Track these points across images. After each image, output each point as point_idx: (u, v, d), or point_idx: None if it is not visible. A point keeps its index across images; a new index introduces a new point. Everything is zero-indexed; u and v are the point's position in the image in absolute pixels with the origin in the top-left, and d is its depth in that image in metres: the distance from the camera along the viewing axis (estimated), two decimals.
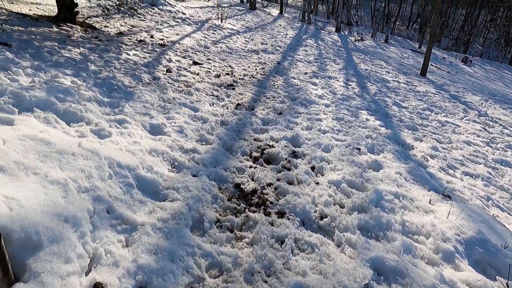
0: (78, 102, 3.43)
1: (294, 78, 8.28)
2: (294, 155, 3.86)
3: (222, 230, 2.37)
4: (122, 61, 6.23)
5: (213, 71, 7.39)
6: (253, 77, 7.62)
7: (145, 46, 7.71)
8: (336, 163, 3.77)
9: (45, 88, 3.36)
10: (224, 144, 3.90)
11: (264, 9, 20.71)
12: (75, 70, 4.83)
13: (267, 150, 3.86)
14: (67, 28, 7.24)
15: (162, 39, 8.67)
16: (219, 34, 11.10)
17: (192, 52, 8.34)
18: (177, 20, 11.06)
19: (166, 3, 11.96)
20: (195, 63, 7.54)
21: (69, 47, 5.99)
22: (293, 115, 5.62)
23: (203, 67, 7.42)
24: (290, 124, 5.13)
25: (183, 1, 12.57)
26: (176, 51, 8.12)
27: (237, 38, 11.50)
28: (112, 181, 2.35)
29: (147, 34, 8.74)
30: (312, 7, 23.28)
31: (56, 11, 7.76)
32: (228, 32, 11.71)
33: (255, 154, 3.72)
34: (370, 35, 21.41)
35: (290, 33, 15.12)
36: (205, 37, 10.20)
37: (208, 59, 8.22)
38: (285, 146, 4.06)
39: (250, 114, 5.36)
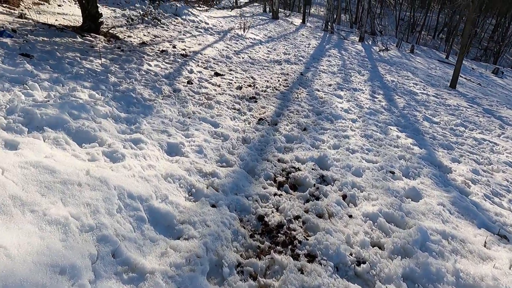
0: (93, 119, 3.19)
1: (318, 90, 7.90)
2: (323, 179, 3.48)
3: (243, 277, 2.02)
4: (143, 72, 6.04)
5: (235, 82, 7.11)
6: (276, 89, 7.29)
7: (166, 56, 7.54)
8: (369, 190, 3.36)
9: (59, 104, 3.14)
10: (246, 165, 3.56)
11: (287, 18, 20.46)
12: (94, 83, 4.63)
13: (292, 173, 3.49)
14: (90, 38, 7.16)
15: (184, 49, 8.50)
16: (241, 44, 10.87)
17: (214, 63, 8.11)
18: (200, 30, 10.92)
19: (190, 13, 11.87)
20: (216, 74, 7.29)
21: (91, 58, 5.85)
22: (319, 132, 5.23)
23: (225, 79, 7.16)
24: (316, 142, 4.75)
25: (206, 11, 12.45)
26: (198, 61, 7.90)
27: (260, 48, 11.24)
28: (121, 215, 2.05)
29: (170, 44, 8.60)
30: (335, 17, 22.86)
31: (81, 22, 7.71)
32: (251, 42, 11.47)
33: (279, 178, 3.36)
34: (395, 45, 20.78)
35: (313, 43, 14.77)
36: (227, 47, 9.98)
37: (230, 70, 7.96)
38: (312, 169, 3.68)
39: (273, 130, 5.02)
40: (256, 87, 7.12)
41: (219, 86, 6.63)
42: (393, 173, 3.99)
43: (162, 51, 7.87)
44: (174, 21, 10.79)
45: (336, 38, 18.73)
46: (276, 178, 3.36)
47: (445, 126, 7.12)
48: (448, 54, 20.28)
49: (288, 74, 8.92)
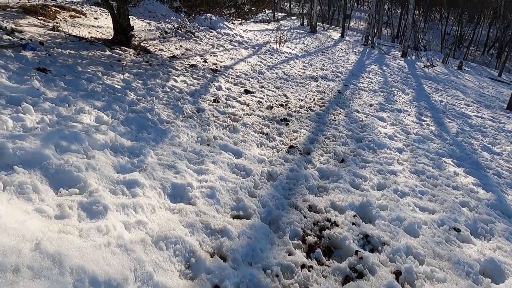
0: (84, 153, 2.60)
1: (358, 112, 6.98)
2: (367, 241, 2.62)
3: None
4: (167, 89, 5.50)
5: (266, 101, 6.40)
6: (311, 110, 6.48)
7: (196, 71, 7.00)
8: (431, 261, 2.46)
9: (47, 133, 2.59)
10: (268, 214, 2.80)
11: (325, 32, 19.59)
12: (108, 102, 4.10)
13: (327, 231, 2.67)
14: (119, 52, 6.79)
15: (215, 64, 7.95)
16: (276, 58, 10.19)
17: (245, 79, 7.47)
18: (234, 43, 10.39)
19: (225, 26, 11.42)
20: (246, 91, 6.62)
21: (114, 72, 5.40)
22: (359, 164, 4.35)
23: (255, 97, 6.46)
24: (357, 179, 3.87)
25: (240, 24, 11.95)
26: (228, 77, 7.30)
27: (295, 63, 10.49)
28: None
29: (201, 58, 8.09)
30: (376, 31, 21.66)
31: (113, 34, 7.40)
32: (286, 57, 10.77)
33: (310, 238, 2.55)
34: (440, 61, 19.19)
35: (352, 58, 13.79)
36: (261, 62, 9.33)
37: (262, 86, 7.27)
38: (353, 223, 2.83)
39: (305, 161, 4.22)
40: (289, 107, 6.36)
41: (247, 105, 5.94)
42: (458, 230, 3.04)
43: (192, 65, 7.35)
44: (208, 34, 10.36)
45: (377, 53, 17.57)
46: (306, 238, 2.55)
47: (509, 158, 5.93)
48: (501, 71, 18.36)
49: (324, 92, 8.08)
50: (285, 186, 3.39)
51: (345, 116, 6.50)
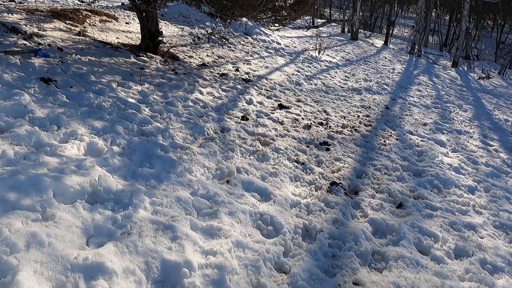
0: (41, 210, 1.79)
1: (412, 133, 5.79)
2: None
3: None
4: (189, 103, 4.70)
5: (303, 118, 5.41)
6: (355, 130, 5.40)
7: (225, 81, 6.17)
8: None
9: None
10: None
11: (367, 39, 18.18)
12: (112, 121, 3.34)
13: None
14: (145, 59, 6.12)
15: (248, 73, 7.09)
16: (314, 67, 9.16)
17: (280, 91, 6.52)
18: (270, 50, 9.50)
19: (261, 32, 10.57)
20: (281, 106, 5.67)
21: (131, 83, 4.69)
22: (424, 212, 3.25)
23: (290, 113, 5.50)
24: (424, 238, 2.79)
25: (278, 30, 11.04)
26: (261, 88, 6.39)
27: (336, 72, 9.39)
28: None
29: (233, 67, 7.27)
30: (423, 38, 19.85)
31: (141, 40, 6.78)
32: (325, 66, 9.69)
33: None
34: (496, 72, 17.09)
35: (398, 68, 12.39)
36: (298, 71, 8.35)
37: (298, 100, 6.29)
38: None
39: (353, 206, 3.19)
40: (329, 126, 5.32)
41: (281, 123, 4.99)
42: None
43: (222, 74, 6.54)
44: (243, 41, 9.56)
45: (425, 62, 15.92)
46: None
47: None
48: None
49: (369, 107, 6.94)
50: (327, 252, 2.40)
51: (397, 139, 5.35)
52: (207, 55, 7.70)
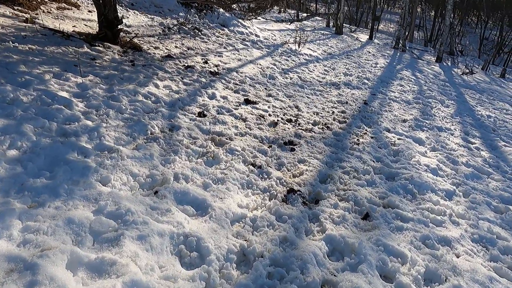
0: None
1: (389, 131, 5.31)
2: None
3: None
4: (138, 98, 4.10)
5: (270, 115, 4.87)
6: (327, 128, 4.89)
7: (189, 74, 5.58)
8: None
9: None
10: None
11: (352, 34, 17.70)
12: (20, 120, 2.73)
13: None
14: (100, 49, 5.48)
15: (217, 66, 6.50)
16: (292, 61, 8.60)
17: (249, 85, 5.96)
18: (246, 43, 8.90)
19: (239, 24, 9.95)
20: (247, 101, 5.12)
21: (71, 74, 4.06)
22: (393, 224, 2.76)
23: (257, 108, 4.95)
24: (389, 260, 2.29)
25: (249, 20, 10.43)
26: (229, 82, 5.82)
27: (315, 66, 8.85)
28: None
29: (202, 59, 6.66)
30: (407, 33, 19.44)
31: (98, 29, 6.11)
32: (305, 59, 9.15)
33: None
34: (480, 67, 16.83)
35: (381, 62, 11.93)
36: (274, 64, 7.78)
37: (269, 95, 5.74)
38: None
39: (310, 219, 2.67)
40: (299, 124, 4.79)
41: (244, 120, 4.44)
42: None
43: (188, 66, 5.94)
44: (219, 32, 8.93)
45: (409, 57, 15.52)
46: None
47: None
48: None
49: (347, 102, 6.44)
50: (264, 285, 1.86)
51: (372, 137, 4.86)
52: (176, 46, 7.07)
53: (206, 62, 6.52)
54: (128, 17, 8.00)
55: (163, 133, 3.47)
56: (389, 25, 27.31)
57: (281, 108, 5.25)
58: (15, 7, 5.92)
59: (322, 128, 4.84)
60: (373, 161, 4.06)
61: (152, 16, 8.62)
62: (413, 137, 5.30)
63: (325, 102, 6.20)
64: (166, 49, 6.72)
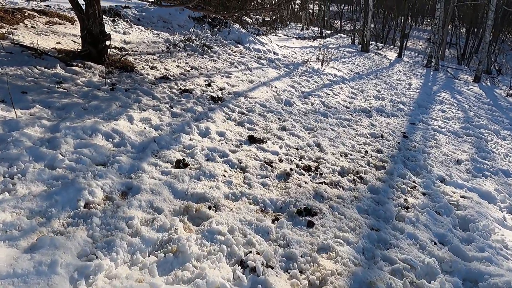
0: None
1: (444, 181, 3.76)
2: None
3: None
4: (94, 140, 2.84)
5: (281, 159, 3.45)
6: (360, 179, 3.41)
7: (183, 100, 4.31)
8: None
9: None
10: None
11: (379, 51, 16.10)
12: None
13: None
14: (76, 69, 4.34)
15: (222, 89, 5.21)
16: (314, 82, 7.20)
17: (259, 114, 4.61)
18: (262, 61, 7.61)
19: (255, 41, 8.72)
20: (252, 139, 3.73)
21: (2, 106, 2.87)
22: None
23: (264, 150, 3.56)
24: None
25: (264, 34, 9.17)
26: (233, 110, 4.49)
27: (341, 88, 7.40)
28: None
29: (205, 81, 5.40)
30: (440, 50, 17.58)
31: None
32: (329, 80, 7.72)
33: None
34: None
35: (414, 83, 10.27)
36: (293, 86, 6.41)
37: (283, 128, 4.35)
38: None
39: None
40: (321, 174, 3.35)
41: (243, 170, 3.05)
42: None
43: (184, 91, 4.68)
44: (232, 49, 7.72)
45: (443, 76, 13.71)
46: None
47: None
48: None
49: (382, 136, 4.94)
50: None
51: (424, 194, 3.33)
52: (177, 66, 5.87)
53: (209, 85, 5.25)
54: (130, 33, 6.94)
55: (107, 204, 2.15)
56: (418, 42, 25.40)
57: (297, 148, 3.83)
58: None
59: (354, 180, 3.37)
60: (435, 244, 2.55)
61: (158, 32, 7.54)
62: (478, 190, 3.72)
63: (355, 137, 4.72)
64: (164, 69, 5.53)
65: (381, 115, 6.17)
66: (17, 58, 4.13)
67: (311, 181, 3.17)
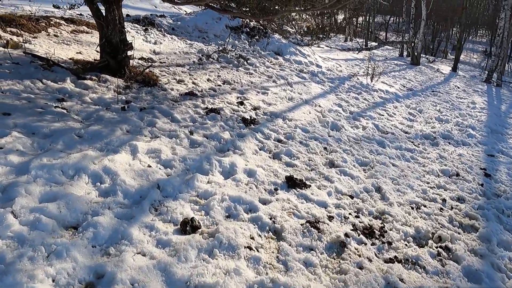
0: None
1: None
2: None
3: None
4: (78, 185, 2.01)
5: (331, 216, 2.40)
6: (446, 251, 2.25)
7: (208, 123, 3.43)
8: None
9: None
10: None
11: (430, 64, 14.37)
12: None
13: None
14: (88, 83, 3.65)
15: (256, 108, 4.28)
16: (364, 99, 6.04)
17: (300, 142, 3.59)
18: (304, 75, 6.61)
19: (297, 52, 7.75)
20: (290, 181, 2.72)
21: None
22: None
23: (307, 199, 2.53)
24: None
25: (308, 45, 8.12)
26: (269, 137, 3.52)
27: (395, 107, 6.15)
28: None
29: (237, 97, 4.51)
30: (502, 64, 15.36)
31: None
32: (380, 97, 6.50)
33: None
34: None
35: (478, 101, 8.64)
36: (339, 105, 5.32)
37: (329, 163, 3.29)
38: None
39: None
40: (389, 243, 2.24)
41: (277, 236, 2.06)
42: None
43: (211, 110, 3.81)
44: (270, 61, 6.83)
45: (508, 94, 11.76)
46: None
47: None
48: None
49: (458, 174, 3.71)
50: None
51: None
52: (208, 80, 5.05)
53: (241, 103, 4.34)
54: (161, 43, 6.30)
55: None
56: (471, 55, 22.89)
57: (351, 196, 2.76)
58: (8, 29, 4.46)
59: (438, 253, 2.23)
60: None
61: (192, 42, 6.85)
62: None
63: (424, 175, 3.53)
64: (192, 83, 4.72)
65: (449, 143, 4.87)
66: (22, 70, 3.51)
67: (376, 255, 2.09)
